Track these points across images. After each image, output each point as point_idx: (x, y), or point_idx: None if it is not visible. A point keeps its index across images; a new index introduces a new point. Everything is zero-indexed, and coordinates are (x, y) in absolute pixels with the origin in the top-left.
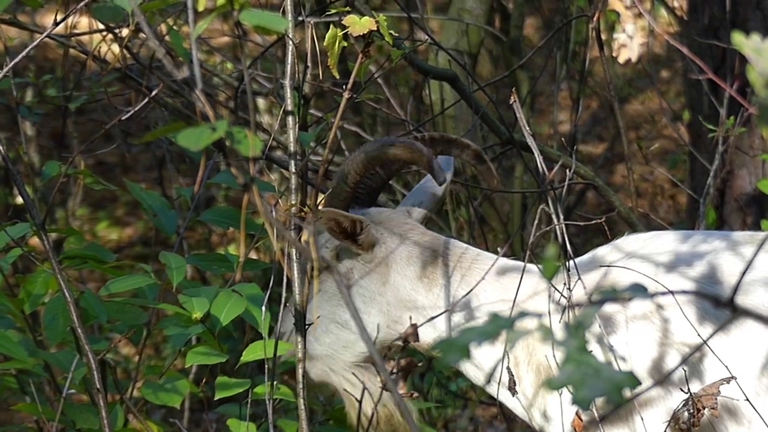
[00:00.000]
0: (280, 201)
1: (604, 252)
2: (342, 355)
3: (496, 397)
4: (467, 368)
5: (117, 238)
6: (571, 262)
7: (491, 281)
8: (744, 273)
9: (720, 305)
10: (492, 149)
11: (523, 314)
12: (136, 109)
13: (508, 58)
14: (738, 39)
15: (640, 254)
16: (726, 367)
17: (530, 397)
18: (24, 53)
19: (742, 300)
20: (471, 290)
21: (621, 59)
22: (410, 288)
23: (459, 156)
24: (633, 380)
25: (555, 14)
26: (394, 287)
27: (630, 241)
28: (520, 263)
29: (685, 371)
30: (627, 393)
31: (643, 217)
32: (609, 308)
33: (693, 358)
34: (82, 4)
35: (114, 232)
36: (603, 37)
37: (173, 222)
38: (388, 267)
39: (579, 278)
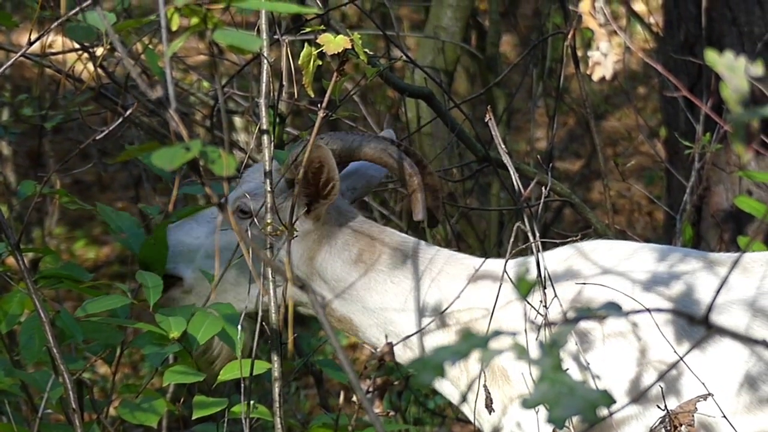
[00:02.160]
0: (255, 220)
1: (568, 253)
2: (229, 294)
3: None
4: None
5: (94, 257)
6: (546, 274)
7: (463, 286)
8: (718, 291)
9: (695, 323)
10: (468, 166)
11: (497, 332)
12: (111, 128)
13: (484, 75)
14: (711, 56)
15: (616, 271)
16: (703, 384)
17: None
18: None
19: (718, 319)
20: (440, 304)
21: (595, 77)
22: (340, 270)
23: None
24: (608, 398)
25: (531, 31)
26: (321, 266)
27: (599, 249)
28: (495, 267)
29: (662, 388)
30: (602, 411)
31: (620, 234)
32: (585, 325)
33: (670, 376)
34: (56, 23)
35: (91, 251)
36: (579, 54)
37: (141, 241)
38: (320, 246)
39: (555, 296)
